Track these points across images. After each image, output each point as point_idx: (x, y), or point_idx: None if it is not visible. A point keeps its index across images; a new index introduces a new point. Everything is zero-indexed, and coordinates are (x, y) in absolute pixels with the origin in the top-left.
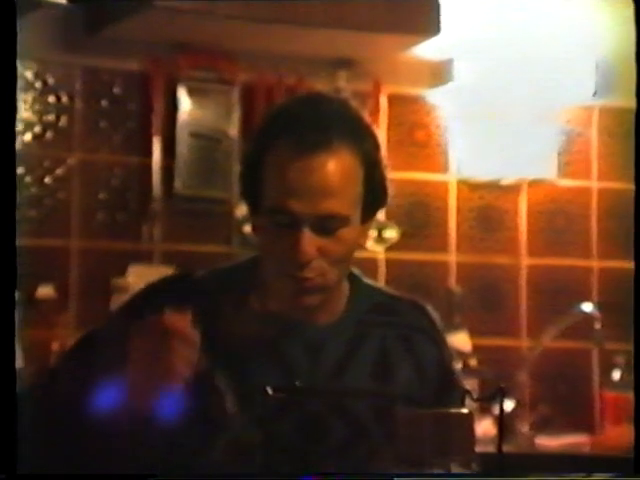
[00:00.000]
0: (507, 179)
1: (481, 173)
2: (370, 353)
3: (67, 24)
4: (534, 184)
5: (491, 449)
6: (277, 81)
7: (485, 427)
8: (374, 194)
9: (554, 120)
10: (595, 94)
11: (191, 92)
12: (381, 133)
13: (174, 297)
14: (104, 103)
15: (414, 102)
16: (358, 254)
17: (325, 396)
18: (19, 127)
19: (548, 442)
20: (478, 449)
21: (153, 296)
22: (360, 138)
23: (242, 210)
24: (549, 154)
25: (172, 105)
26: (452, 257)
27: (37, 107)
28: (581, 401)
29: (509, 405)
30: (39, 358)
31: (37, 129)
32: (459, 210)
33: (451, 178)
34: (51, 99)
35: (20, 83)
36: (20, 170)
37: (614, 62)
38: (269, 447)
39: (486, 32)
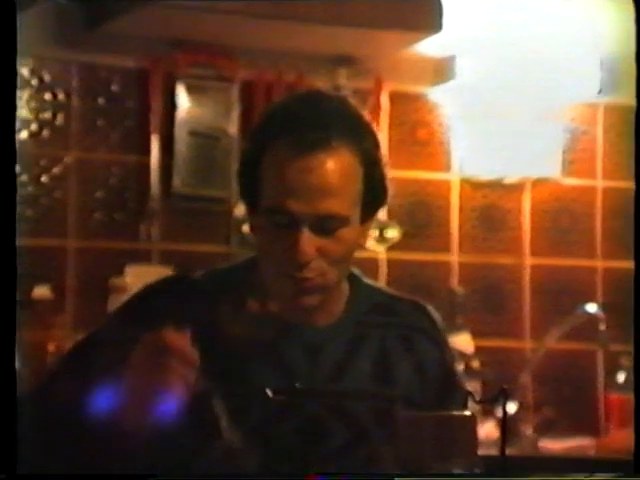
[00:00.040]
0: (510, 178)
1: (484, 172)
2: (370, 354)
3: (64, 20)
4: (538, 183)
5: (494, 452)
6: (277, 78)
7: (488, 430)
8: (374, 193)
9: (558, 118)
10: (600, 91)
11: (190, 89)
12: (382, 132)
13: (172, 298)
14: (101, 101)
15: (416, 100)
16: (359, 254)
17: (325, 398)
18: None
19: (552, 445)
20: (481, 452)
21: (152, 297)
22: (359, 137)
23: (241, 209)
24: (553, 152)
25: (171, 103)
26: (454, 257)
27: (33, 104)
28: (585, 403)
29: (512, 407)
30: (35, 360)
31: (33, 127)
32: (461, 209)
33: (453, 177)
34: (47, 96)
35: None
36: (16, 169)
37: (619, 59)
38: (268, 450)
39: (489, 29)
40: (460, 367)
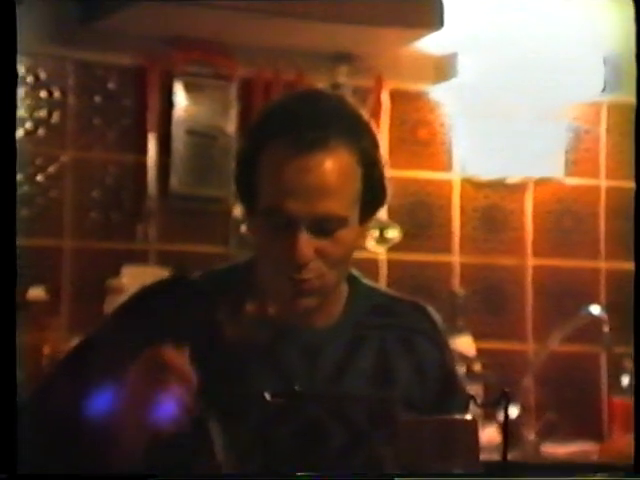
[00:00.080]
0: (512, 178)
1: (486, 172)
2: (370, 356)
3: (60, 17)
4: (540, 183)
5: (496, 457)
6: (275, 76)
7: (489, 434)
8: (373, 193)
9: (561, 117)
10: (603, 90)
11: (187, 88)
12: (383, 131)
13: (169, 300)
14: (98, 99)
15: (417, 98)
16: (359, 255)
17: (324, 401)
18: None
19: (555, 450)
20: (482, 457)
21: (149, 299)
22: (358, 136)
23: (240, 209)
24: (556, 152)
25: (168, 101)
26: (456, 258)
27: (28, 103)
28: (589, 407)
29: (514, 411)
30: (30, 362)
31: (28, 125)
32: (463, 210)
33: (455, 177)
34: (43, 94)
35: None
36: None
37: (622, 56)
38: (268, 453)
39: (491, 26)
40: (461, 370)
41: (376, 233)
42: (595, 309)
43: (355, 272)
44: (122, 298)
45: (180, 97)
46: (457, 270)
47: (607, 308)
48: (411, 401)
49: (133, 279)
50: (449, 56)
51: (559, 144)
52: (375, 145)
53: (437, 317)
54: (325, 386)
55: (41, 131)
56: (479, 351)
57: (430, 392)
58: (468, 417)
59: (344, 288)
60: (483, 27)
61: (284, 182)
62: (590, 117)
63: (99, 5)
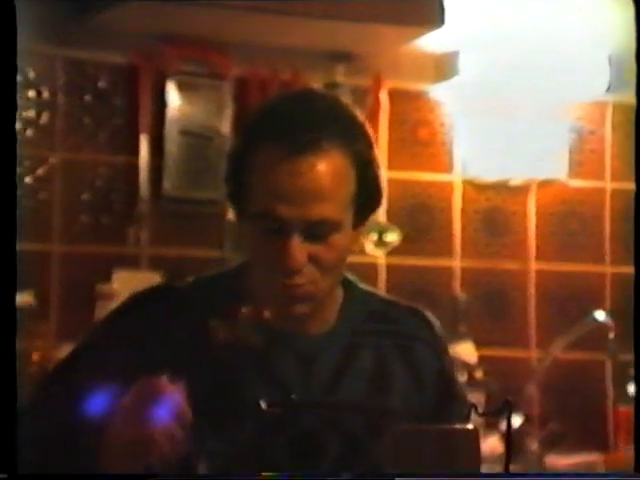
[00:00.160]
0: (515, 179)
1: (488, 173)
2: (366, 364)
3: (49, 13)
4: (544, 185)
5: (498, 468)
6: (272, 76)
7: (491, 444)
8: (367, 196)
9: (565, 117)
10: (608, 89)
11: (181, 87)
12: (382, 131)
13: (161, 307)
14: (88, 98)
15: (417, 98)
16: (357, 259)
17: (321, 410)
18: None
19: (559, 461)
20: (484, 468)
21: (142, 304)
22: (352, 137)
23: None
24: (560, 153)
25: (161, 101)
26: (457, 262)
27: (16, 102)
28: (594, 416)
29: (517, 420)
30: (19, 370)
31: (17, 126)
32: (464, 212)
33: (456, 178)
34: (31, 94)
35: None
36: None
37: (628, 55)
38: (262, 464)
39: (493, 24)
40: (462, 377)
41: (375, 236)
42: (600, 315)
43: (350, 276)
44: (113, 304)
45: (173, 96)
46: (458, 274)
47: (613, 314)
48: (409, 410)
49: (124, 284)
50: (450, 54)
51: (563, 145)
52: (370, 146)
53: (436, 322)
54: (321, 395)
55: (29, 132)
56: (481, 358)
57: (429, 400)
58: (469, 426)
59: (339, 293)
60: (485, 25)
61: (276, 185)
62: (595, 117)
63: (90, 2)
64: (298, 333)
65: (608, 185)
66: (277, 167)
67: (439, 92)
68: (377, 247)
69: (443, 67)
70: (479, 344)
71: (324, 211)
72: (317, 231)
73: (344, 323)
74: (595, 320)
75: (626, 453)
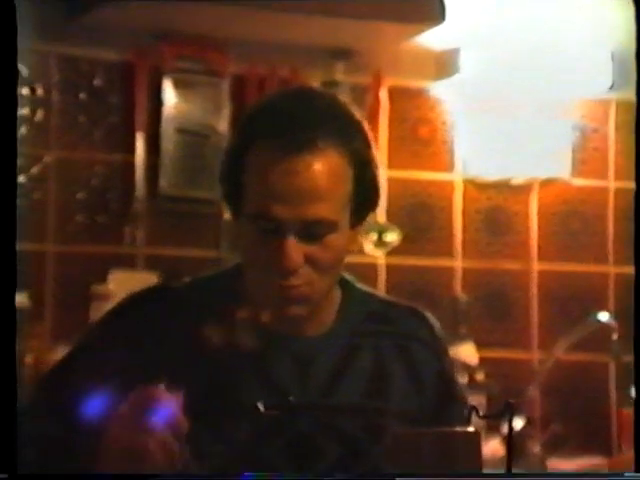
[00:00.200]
0: (517, 178)
1: (489, 172)
2: (365, 366)
3: (43, 10)
4: (546, 184)
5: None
6: (270, 73)
7: (493, 447)
8: (365, 196)
9: (568, 115)
10: (612, 86)
11: (177, 84)
12: (382, 129)
13: (157, 308)
14: (83, 96)
15: (417, 96)
16: (356, 259)
17: (319, 413)
18: None
19: (561, 464)
20: (485, 471)
21: (139, 305)
22: (348, 136)
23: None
24: (562, 151)
25: (157, 98)
26: (457, 262)
27: (17, 102)
28: (597, 419)
29: (519, 423)
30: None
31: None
32: (465, 212)
33: (457, 177)
34: (25, 91)
35: None
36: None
37: (632, 52)
38: (259, 468)
39: (494, 20)
40: (463, 379)
41: (374, 236)
42: (603, 316)
43: (348, 277)
44: (109, 305)
45: (170, 94)
46: (459, 275)
47: (616, 315)
48: (409, 412)
49: (120, 285)
50: (451, 51)
51: (566, 143)
52: (367, 145)
53: (435, 323)
54: (318, 397)
55: (23, 130)
56: (482, 360)
57: (428, 402)
58: (470, 429)
59: (336, 294)
60: (486, 21)
61: (271, 185)
62: (598, 115)
63: None
64: (295, 335)
65: (611, 184)
66: (273, 166)
67: (440, 90)
68: (377, 247)
69: (444, 64)
70: (480, 345)
71: (320, 211)
72: (313, 231)
73: (342, 324)
74: (598, 321)
75: (628, 454)
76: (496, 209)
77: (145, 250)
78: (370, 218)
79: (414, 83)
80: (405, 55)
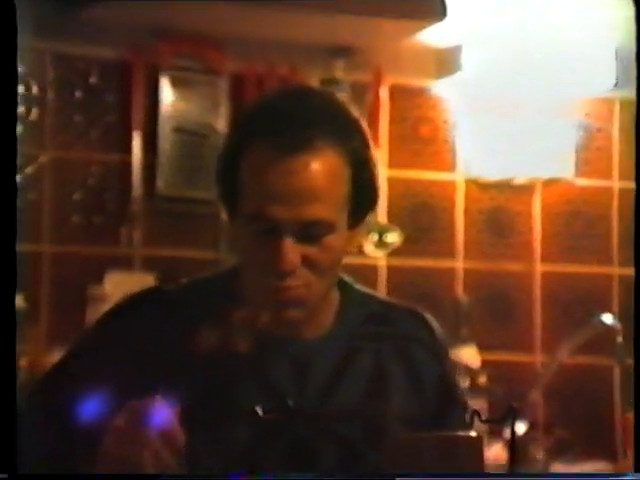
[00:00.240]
0: (520, 178)
1: (491, 172)
2: (364, 368)
3: (38, 6)
4: (549, 184)
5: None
6: (268, 71)
7: (495, 452)
8: (363, 196)
9: (571, 114)
10: (616, 85)
11: (174, 82)
12: (382, 128)
13: (154, 310)
14: (79, 94)
15: (418, 94)
16: (357, 260)
17: (317, 417)
18: None
19: (565, 469)
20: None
21: (136, 307)
22: (346, 135)
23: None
24: (566, 151)
25: (154, 97)
26: (459, 263)
27: (16, 102)
28: (601, 423)
29: (521, 427)
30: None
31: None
32: (467, 212)
33: (459, 177)
34: (20, 89)
35: None
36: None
37: (633, 52)
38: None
39: (497, 17)
40: (464, 382)
41: (375, 237)
42: (607, 318)
43: (347, 278)
44: (105, 306)
45: (167, 93)
46: (461, 276)
47: (620, 317)
48: (409, 415)
49: (117, 286)
50: (452, 49)
51: (569, 142)
52: (365, 145)
53: (436, 325)
54: (317, 401)
55: (18, 129)
56: (484, 363)
57: (429, 405)
58: (472, 433)
59: (335, 296)
60: (488, 18)
61: (268, 185)
62: (602, 114)
63: None
64: (293, 337)
65: (616, 184)
66: (270, 166)
67: (441, 88)
68: (377, 248)
69: (445, 62)
70: (482, 348)
71: (318, 211)
72: (311, 232)
73: (341, 326)
74: (602, 323)
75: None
76: (498, 209)
77: (142, 251)
78: (370, 218)
79: (415, 81)
80: (406, 52)
